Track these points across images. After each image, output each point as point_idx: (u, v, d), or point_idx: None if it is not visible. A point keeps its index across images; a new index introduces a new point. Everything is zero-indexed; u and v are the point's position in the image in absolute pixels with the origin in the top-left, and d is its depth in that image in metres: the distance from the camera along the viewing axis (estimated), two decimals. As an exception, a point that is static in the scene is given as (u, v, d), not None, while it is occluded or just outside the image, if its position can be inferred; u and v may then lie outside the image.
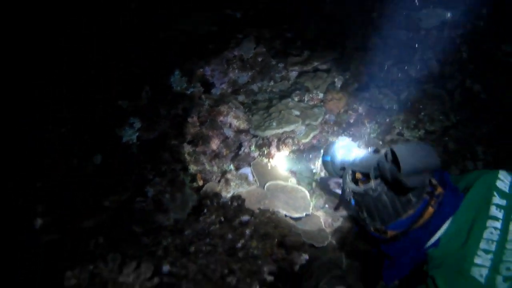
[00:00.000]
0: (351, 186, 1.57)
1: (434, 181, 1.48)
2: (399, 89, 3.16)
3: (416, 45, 3.31)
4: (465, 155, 2.98)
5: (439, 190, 1.46)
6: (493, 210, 1.39)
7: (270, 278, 2.08)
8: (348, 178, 1.59)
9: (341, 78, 3.37)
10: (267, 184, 2.94)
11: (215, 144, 3.07)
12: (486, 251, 1.33)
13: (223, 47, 3.50)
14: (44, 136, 2.90)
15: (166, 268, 2.14)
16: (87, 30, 3.27)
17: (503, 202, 1.40)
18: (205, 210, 2.44)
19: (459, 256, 1.36)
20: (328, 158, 1.78)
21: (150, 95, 3.15)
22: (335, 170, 1.75)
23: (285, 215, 2.70)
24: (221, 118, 3.14)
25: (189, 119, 3.08)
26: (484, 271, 1.30)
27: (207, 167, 3.01)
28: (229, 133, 3.15)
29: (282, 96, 3.32)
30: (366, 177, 1.51)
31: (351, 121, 3.13)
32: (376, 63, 3.28)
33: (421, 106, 2.97)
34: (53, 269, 2.15)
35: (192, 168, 2.97)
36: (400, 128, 2.98)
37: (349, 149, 1.71)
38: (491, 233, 1.36)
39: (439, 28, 3.36)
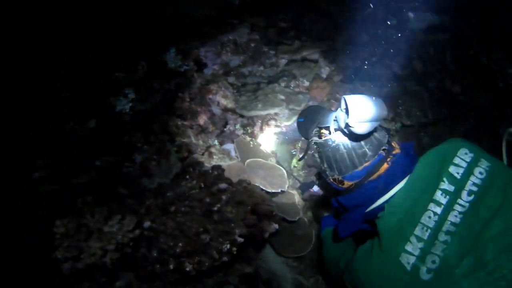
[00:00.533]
0: (314, 138, 1.77)
1: (395, 144, 1.71)
2: (382, 83, 3.39)
3: (403, 45, 3.55)
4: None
5: (397, 150, 1.68)
6: (438, 195, 1.50)
7: (240, 239, 2.31)
8: (314, 132, 1.81)
9: (327, 69, 3.59)
10: (248, 161, 3.17)
11: (202, 120, 3.29)
12: (419, 239, 1.45)
13: (218, 31, 3.72)
14: (45, 99, 3.11)
15: (147, 224, 2.36)
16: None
17: (451, 188, 1.50)
18: (187, 176, 2.68)
19: (395, 235, 1.51)
20: (302, 120, 1.99)
21: (146, 69, 3.36)
22: (307, 131, 1.89)
23: (261, 189, 2.93)
24: (210, 96, 3.36)
25: (180, 95, 3.30)
26: (412, 259, 1.43)
27: (193, 140, 3.22)
28: (217, 110, 3.37)
29: (270, 81, 3.54)
30: (330, 131, 1.71)
31: (333, 109, 3.35)
32: (362, 58, 3.51)
33: (399, 101, 3.20)
34: (45, 217, 2.36)
35: (179, 140, 3.17)
36: (377, 119, 3.22)
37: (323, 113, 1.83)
38: (429, 217, 1.47)
39: (427, 31, 3.60)
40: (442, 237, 1.43)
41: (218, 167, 2.71)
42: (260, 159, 3.20)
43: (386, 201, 1.63)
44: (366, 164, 1.63)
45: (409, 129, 3.22)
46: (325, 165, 1.74)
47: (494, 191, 1.48)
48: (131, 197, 2.71)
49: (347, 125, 1.51)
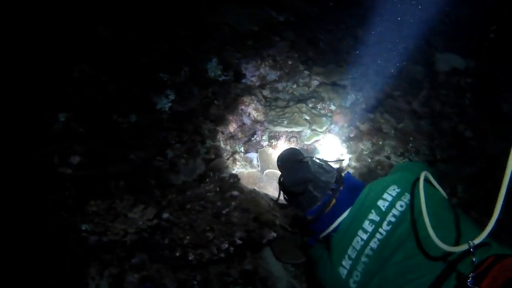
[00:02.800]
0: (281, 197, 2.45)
1: (342, 179, 2.30)
2: (399, 118, 3.77)
3: (426, 84, 3.90)
4: (444, 190, 3.57)
5: (341, 187, 2.26)
6: (366, 224, 1.98)
7: (239, 241, 2.81)
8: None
9: (353, 96, 4.00)
10: (266, 171, 3.66)
11: (232, 127, 3.79)
12: (349, 257, 1.98)
13: (260, 45, 4.21)
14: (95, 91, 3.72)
15: (165, 215, 2.90)
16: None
17: (376, 218, 1.96)
18: (207, 180, 3.21)
19: (337, 251, 2.07)
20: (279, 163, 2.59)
21: (188, 75, 3.90)
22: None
23: (271, 199, 3.41)
24: (243, 107, 3.86)
25: (216, 102, 3.82)
26: (345, 271, 1.98)
27: (222, 145, 3.73)
28: (247, 121, 3.86)
29: (300, 100, 4.00)
30: None
31: (351, 135, 3.78)
32: (386, 92, 3.90)
33: (411, 138, 3.57)
34: (81, 197, 2.95)
35: (209, 142, 3.68)
36: (389, 152, 3.60)
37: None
38: (357, 242, 1.98)
39: (451, 73, 3.93)
40: (363, 258, 1.93)
41: (234, 176, 3.22)
42: (277, 171, 3.67)
43: (335, 228, 2.18)
44: (318, 203, 2.22)
45: (418, 165, 3.57)
46: (293, 205, 2.43)
47: (407, 222, 1.90)
48: (157, 188, 3.27)
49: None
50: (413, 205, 1.94)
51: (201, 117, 3.77)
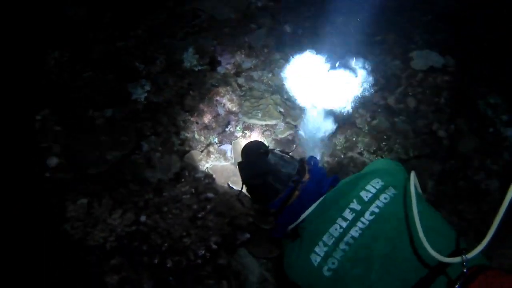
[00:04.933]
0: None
1: (305, 169, 2.48)
2: (374, 114, 3.98)
3: (403, 81, 4.09)
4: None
5: (307, 177, 2.42)
6: (347, 212, 2.07)
7: (214, 246, 3.06)
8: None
9: (329, 89, 4.17)
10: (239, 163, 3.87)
11: (207, 118, 3.94)
12: (325, 244, 2.05)
13: (236, 33, 4.29)
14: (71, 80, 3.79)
15: (143, 218, 3.09)
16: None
17: (358, 207, 2.06)
18: (183, 180, 3.41)
19: (309, 238, 2.15)
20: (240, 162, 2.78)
21: (164, 64, 3.99)
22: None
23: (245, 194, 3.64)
24: (218, 97, 4.00)
25: (191, 93, 3.94)
26: (318, 258, 2.05)
27: (196, 136, 3.89)
28: (221, 111, 4.02)
29: (275, 91, 4.15)
30: None
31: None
32: (362, 85, 4.08)
33: (385, 136, 3.81)
34: (59, 202, 3.11)
35: (183, 134, 3.84)
36: (362, 149, 3.84)
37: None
38: (336, 229, 2.05)
39: (428, 71, 4.12)
40: (342, 245, 2.01)
41: (209, 176, 3.43)
42: (251, 164, 3.88)
43: (303, 220, 2.33)
44: (280, 195, 2.37)
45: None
46: (255, 199, 2.67)
47: (392, 215, 2.04)
48: (134, 184, 3.45)
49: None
50: (405, 202, 2.06)
51: (176, 107, 3.90)
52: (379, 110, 4.02)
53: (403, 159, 3.79)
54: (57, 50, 3.92)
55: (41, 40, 3.95)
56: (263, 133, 3.92)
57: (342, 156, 3.84)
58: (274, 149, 2.63)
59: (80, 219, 3.03)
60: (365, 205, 2.08)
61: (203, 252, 3.01)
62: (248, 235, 3.30)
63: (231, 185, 3.65)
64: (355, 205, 2.10)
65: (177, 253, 2.97)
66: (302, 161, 2.60)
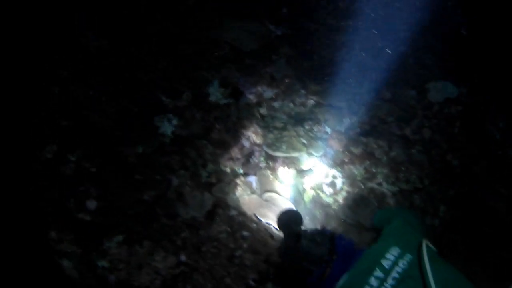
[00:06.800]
0: None
1: (335, 246, 2.76)
2: (392, 144, 4.24)
3: (420, 112, 4.36)
4: (427, 210, 4.11)
5: (335, 256, 2.72)
6: (372, 279, 2.37)
7: (253, 283, 3.32)
8: None
9: (348, 120, 4.42)
10: (265, 195, 4.11)
11: (233, 151, 4.17)
12: None
13: (258, 63, 4.50)
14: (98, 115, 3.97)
15: (183, 257, 3.34)
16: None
17: (381, 275, 2.38)
18: (217, 218, 3.65)
19: None
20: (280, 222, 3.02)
21: (190, 98, 4.19)
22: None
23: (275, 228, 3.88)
24: (243, 130, 4.22)
25: (217, 126, 4.15)
26: None
27: (222, 168, 4.12)
28: (246, 143, 4.24)
29: (297, 121, 4.38)
30: None
31: (346, 160, 4.24)
32: (379, 117, 4.34)
33: (403, 168, 4.08)
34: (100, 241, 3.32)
35: (210, 166, 4.07)
36: (381, 180, 4.10)
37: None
38: None
39: (443, 104, 4.40)
40: None
41: (243, 214, 3.67)
42: (276, 194, 4.12)
43: None
44: (313, 276, 2.68)
45: (405, 193, 4.10)
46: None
47: (410, 279, 2.33)
48: (167, 219, 3.66)
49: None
50: (420, 265, 2.36)
51: (203, 140, 4.10)
52: (396, 139, 4.26)
53: (418, 188, 4.06)
54: (82, 83, 4.09)
55: (65, 75, 4.11)
56: (287, 164, 4.16)
57: (363, 187, 4.09)
58: (307, 230, 2.92)
59: (123, 260, 3.24)
60: (387, 272, 2.39)
61: (243, 290, 3.26)
62: (280, 270, 3.56)
63: (259, 217, 3.88)
64: (378, 273, 2.40)
65: (220, 293, 3.20)
66: (331, 238, 2.88)
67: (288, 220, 3.03)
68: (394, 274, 2.37)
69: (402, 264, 2.42)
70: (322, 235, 2.86)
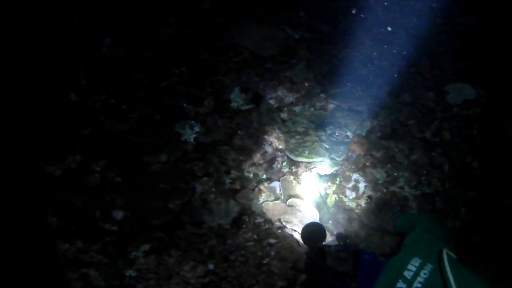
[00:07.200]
0: None
1: (359, 261, 2.85)
2: (413, 147, 4.25)
3: (438, 114, 4.37)
4: (448, 213, 4.13)
5: (359, 269, 2.83)
6: None
7: (280, 290, 3.35)
8: None
9: (369, 124, 4.44)
10: (289, 200, 4.14)
11: (255, 157, 4.19)
12: None
13: (277, 68, 4.52)
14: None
15: (211, 266, 3.37)
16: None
17: (403, 286, 2.48)
18: (244, 226, 3.67)
19: None
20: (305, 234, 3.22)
21: (212, 105, 4.21)
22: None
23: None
24: (265, 136, 4.25)
25: (240, 132, 4.18)
26: None
27: (245, 174, 4.15)
28: (269, 149, 4.27)
29: (318, 125, 4.40)
30: None
31: (368, 164, 4.26)
32: (400, 121, 4.35)
33: (424, 171, 4.10)
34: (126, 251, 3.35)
35: (234, 173, 4.10)
36: (403, 183, 4.12)
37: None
38: None
39: (462, 106, 4.41)
40: None
41: (269, 221, 3.69)
42: (298, 200, 4.15)
43: None
44: None
45: (426, 196, 4.12)
46: None
47: (432, 286, 2.44)
48: (192, 227, 3.69)
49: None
50: (442, 273, 2.47)
51: (225, 147, 4.13)
52: (416, 142, 4.28)
53: (439, 190, 4.08)
54: (101, 91, 4.11)
55: (83, 83, 4.14)
56: (310, 169, 4.18)
57: (385, 190, 4.10)
58: (331, 246, 2.97)
59: (152, 270, 3.28)
60: (409, 282, 2.48)
61: (271, 298, 3.29)
62: (307, 277, 3.59)
63: (284, 223, 3.90)
64: (401, 284, 2.49)
65: (249, 301, 3.23)
66: (355, 254, 2.94)
67: (311, 237, 3.11)
68: (416, 284, 2.46)
69: (423, 274, 2.51)
70: (346, 252, 2.95)
